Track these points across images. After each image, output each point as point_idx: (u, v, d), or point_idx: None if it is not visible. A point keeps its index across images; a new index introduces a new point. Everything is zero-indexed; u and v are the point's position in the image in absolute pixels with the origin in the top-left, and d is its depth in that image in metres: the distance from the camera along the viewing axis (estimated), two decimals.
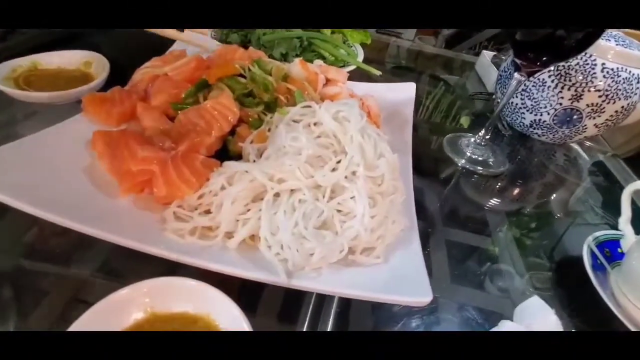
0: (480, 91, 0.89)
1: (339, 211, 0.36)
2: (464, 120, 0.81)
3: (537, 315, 0.32)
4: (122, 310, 0.28)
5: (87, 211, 0.34)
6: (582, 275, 0.42)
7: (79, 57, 0.60)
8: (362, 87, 0.62)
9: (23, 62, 0.56)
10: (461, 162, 0.61)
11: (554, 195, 0.64)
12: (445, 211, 0.53)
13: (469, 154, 0.62)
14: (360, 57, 0.79)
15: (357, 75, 0.73)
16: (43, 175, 0.36)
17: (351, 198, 0.36)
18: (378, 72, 0.74)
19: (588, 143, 0.80)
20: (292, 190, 0.37)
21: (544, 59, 0.50)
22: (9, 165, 0.35)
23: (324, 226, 0.35)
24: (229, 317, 0.29)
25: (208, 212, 0.36)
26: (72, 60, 0.60)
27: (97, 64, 0.60)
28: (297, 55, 0.71)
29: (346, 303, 0.36)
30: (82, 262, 0.36)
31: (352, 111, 0.40)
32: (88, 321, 0.26)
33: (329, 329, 0.34)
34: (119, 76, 0.56)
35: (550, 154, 0.74)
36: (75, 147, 0.41)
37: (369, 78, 0.74)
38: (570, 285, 0.44)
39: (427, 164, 0.62)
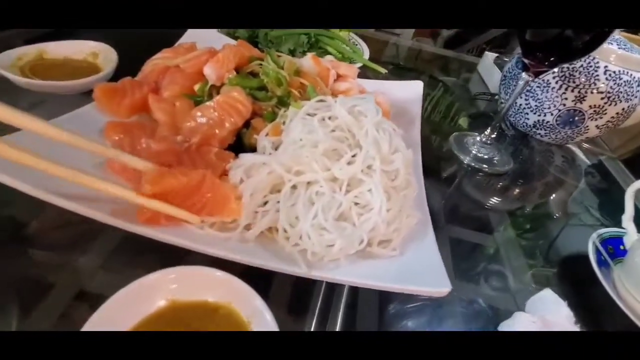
0: (483, 92, 0.90)
1: (356, 204, 0.36)
2: (463, 121, 0.82)
3: (550, 307, 0.33)
4: (146, 296, 0.28)
5: (106, 201, 0.33)
6: (588, 271, 0.43)
7: (86, 48, 0.59)
8: (370, 85, 0.62)
9: (29, 51, 0.56)
10: (467, 159, 0.62)
11: (555, 194, 0.65)
12: (450, 207, 0.54)
13: (474, 152, 0.63)
14: (366, 55, 0.79)
15: (361, 73, 0.73)
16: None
17: (368, 191, 0.36)
18: (384, 70, 0.75)
19: (586, 145, 0.82)
20: (308, 182, 0.37)
21: (552, 59, 0.51)
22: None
23: (341, 218, 0.36)
24: (250, 306, 0.29)
25: None
26: (79, 50, 0.59)
27: (104, 55, 0.59)
28: (304, 52, 0.71)
29: (354, 298, 0.37)
30: (90, 254, 0.36)
31: (368, 106, 0.40)
32: (114, 305, 0.26)
33: (339, 320, 0.35)
34: (124, 67, 0.56)
35: (550, 155, 0.75)
36: (89, 135, 0.41)
37: (374, 76, 0.74)
38: (577, 281, 0.45)
39: (433, 160, 0.63)
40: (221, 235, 0.34)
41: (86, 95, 0.51)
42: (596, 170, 0.76)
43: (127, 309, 0.27)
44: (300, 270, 0.32)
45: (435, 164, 0.62)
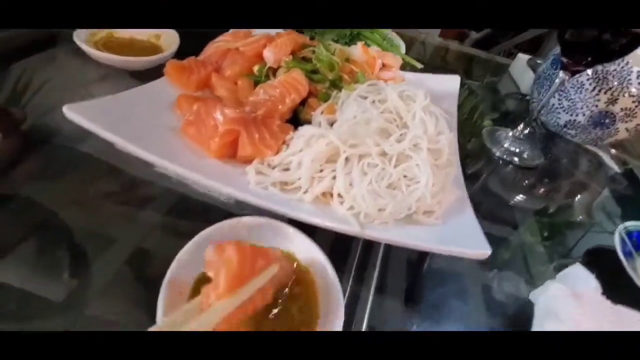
0: (514, 92, 0.92)
1: (404, 176, 0.40)
2: (487, 123, 0.84)
3: (580, 279, 0.36)
4: (223, 238, 0.32)
5: (184, 161, 0.38)
6: (614, 259, 0.46)
7: (151, 29, 0.64)
8: (409, 77, 0.66)
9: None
10: (498, 152, 0.65)
11: (581, 194, 0.68)
12: (480, 196, 0.57)
13: (506, 145, 0.66)
14: (403, 50, 0.83)
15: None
16: (140, 124, 0.41)
17: (415, 165, 0.40)
18: (420, 65, 0.78)
19: (613, 151, 0.83)
20: (360, 155, 0.41)
21: (589, 59, 0.53)
22: (113, 113, 0.40)
23: (390, 188, 0.39)
24: (310, 257, 0.34)
25: (286, 169, 0.41)
26: (144, 31, 0.64)
27: (166, 37, 0.64)
28: (346, 43, 0.75)
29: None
30: (150, 211, 0.40)
31: (417, 92, 0.44)
32: (200, 240, 0.30)
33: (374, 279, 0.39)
34: (179, 48, 0.60)
35: (578, 157, 0.77)
36: (162, 105, 0.46)
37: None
38: (603, 266, 0.48)
39: (463, 152, 0.65)
40: (282, 196, 0.38)
41: (145, 72, 0.56)
42: (623, 175, 0.77)
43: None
44: (353, 229, 0.36)
45: (466, 156, 0.65)
